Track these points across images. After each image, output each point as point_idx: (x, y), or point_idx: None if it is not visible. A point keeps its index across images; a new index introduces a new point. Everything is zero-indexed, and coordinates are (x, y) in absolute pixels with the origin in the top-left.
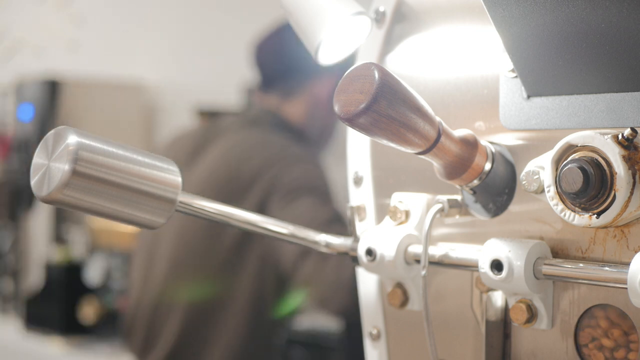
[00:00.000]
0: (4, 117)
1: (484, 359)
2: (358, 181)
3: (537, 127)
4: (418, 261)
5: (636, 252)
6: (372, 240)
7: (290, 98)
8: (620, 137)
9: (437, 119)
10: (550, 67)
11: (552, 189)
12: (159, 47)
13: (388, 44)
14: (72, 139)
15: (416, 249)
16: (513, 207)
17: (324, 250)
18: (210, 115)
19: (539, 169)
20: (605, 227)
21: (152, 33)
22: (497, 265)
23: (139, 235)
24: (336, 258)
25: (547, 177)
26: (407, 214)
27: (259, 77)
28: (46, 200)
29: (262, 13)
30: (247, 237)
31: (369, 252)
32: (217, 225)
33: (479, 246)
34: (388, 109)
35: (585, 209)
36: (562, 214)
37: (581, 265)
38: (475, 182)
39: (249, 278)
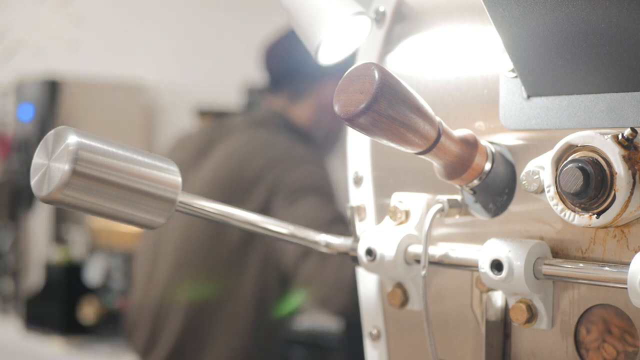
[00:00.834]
0: (4, 117)
1: (484, 359)
2: (358, 181)
3: (537, 127)
4: (418, 261)
5: (636, 252)
6: (372, 240)
7: (297, 101)
8: (620, 137)
9: (437, 119)
10: (550, 67)
11: (552, 189)
12: (159, 47)
13: (388, 44)
14: (72, 139)
15: (416, 249)
16: (513, 207)
17: (324, 250)
18: (210, 115)
19: (539, 169)
20: (605, 227)
21: (152, 33)
22: (497, 265)
23: (143, 235)
24: (337, 258)
25: (547, 177)
26: (407, 214)
27: (267, 79)
28: (46, 200)
29: (262, 13)
30: (250, 237)
31: (369, 252)
32: (220, 225)
33: (479, 246)
34: (388, 109)
35: (585, 209)
36: (562, 214)
37: (581, 265)
38: (475, 182)
39: (251, 278)
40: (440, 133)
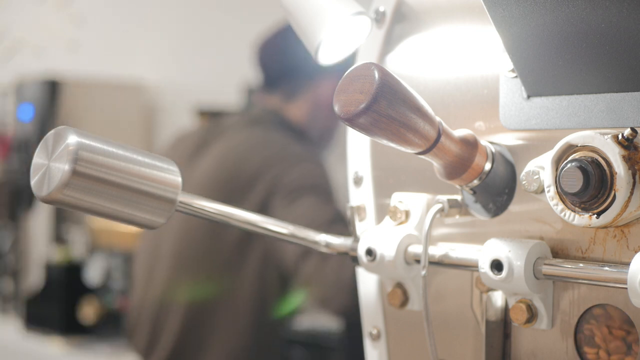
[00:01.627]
0: (4, 117)
1: (484, 359)
2: (358, 181)
3: (537, 127)
4: (418, 261)
5: (636, 252)
6: (372, 240)
7: (292, 99)
8: (620, 137)
9: (437, 119)
10: (550, 67)
11: (552, 189)
12: (159, 47)
13: (388, 44)
14: (72, 139)
15: (416, 249)
16: (513, 207)
17: (324, 250)
18: (210, 115)
19: (539, 169)
20: (605, 227)
21: (152, 33)
22: (497, 265)
23: (142, 235)
24: (337, 258)
25: (547, 177)
26: (407, 214)
27: (262, 78)
28: (46, 200)
29: (262, 13)
30: (250, 236)
31: (369, 252)
32: (219, 225)
33: (479, 246)
34: (388, 109)
35: (585, 209)
36: (562, 214)
37: (581, 265)
38: (475, 182)
39: (251, 277)
40: (440, 133)
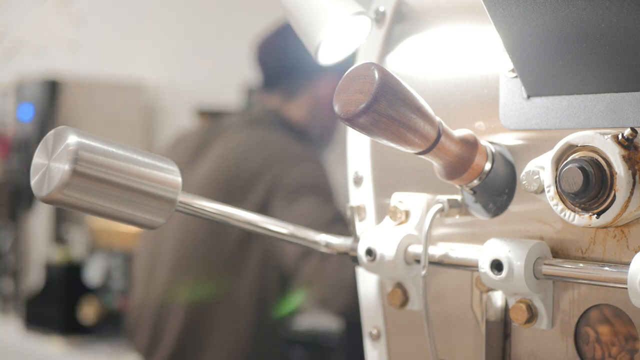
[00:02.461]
0: (4, 117)
1: (484, 359)
2: (358, 181)
3: (537, 127)
4: (418, 261)
5: (636, 252)
6: (372, 240)
7: (292, 98)
8: (620, 137)
9: (437, 119)
10: (550, 67)
11: (552, 189)
12: (159, 47)
13: (388, 44)
14: (72, 139)
15: (416, 249)
16: (513, 207)
17: (324, 250)
18: (210, 115)
19: (539, 169)
20: (605, 227)
21: (152, 33)
22: (497, 265)
23: (142, 235)
24: (337, 258)
25: (547, 177)
26: (407, 214)
27: (261, 77)
28: (46, 200)
29: (262, 13)
30: (250, 237)
31: (369, 252)
32: (219, 225)
33: (479, 246)
34: (388, 109)
35: (585, 209)
36: (562, 214)
37: (581, 265)
38: (475, 182)
39: (251, 277)
40: (440, 133)
